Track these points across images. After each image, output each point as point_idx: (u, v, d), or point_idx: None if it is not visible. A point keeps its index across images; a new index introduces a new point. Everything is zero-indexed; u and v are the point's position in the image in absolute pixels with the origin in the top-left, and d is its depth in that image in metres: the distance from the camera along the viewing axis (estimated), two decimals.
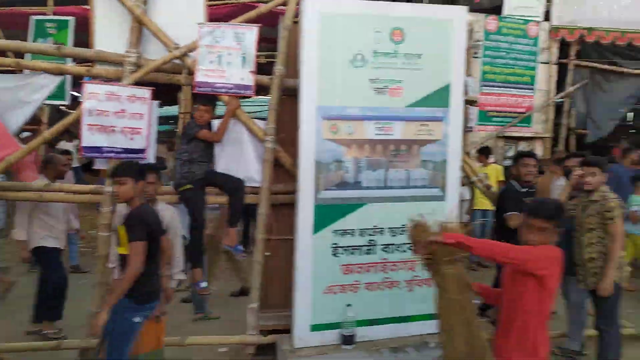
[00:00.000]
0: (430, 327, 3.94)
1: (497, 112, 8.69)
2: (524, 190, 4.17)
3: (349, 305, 3.66)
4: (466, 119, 8.61)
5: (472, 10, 8.54)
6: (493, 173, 7.71)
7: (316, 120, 3.65)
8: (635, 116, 20.42)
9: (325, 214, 3.68)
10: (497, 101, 8.65)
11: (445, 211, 3.92)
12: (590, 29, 8.33)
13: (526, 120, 8.88)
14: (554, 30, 8.44)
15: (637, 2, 8.47)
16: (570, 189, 4.11)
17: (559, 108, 9.13)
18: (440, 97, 3.87)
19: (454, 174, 3.97)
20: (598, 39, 8.37)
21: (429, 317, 3.94)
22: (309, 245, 3.65)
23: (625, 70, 8.70)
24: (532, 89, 8.76)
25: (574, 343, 4.29)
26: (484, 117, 8.64)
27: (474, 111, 8.56)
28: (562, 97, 8.84)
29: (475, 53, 8.35)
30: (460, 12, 3.89)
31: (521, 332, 2.38)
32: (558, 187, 5.84)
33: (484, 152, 8.11)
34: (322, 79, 3.64)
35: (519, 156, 4.32)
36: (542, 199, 2.97)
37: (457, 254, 2.53)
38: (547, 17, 8.52)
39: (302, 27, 3.64)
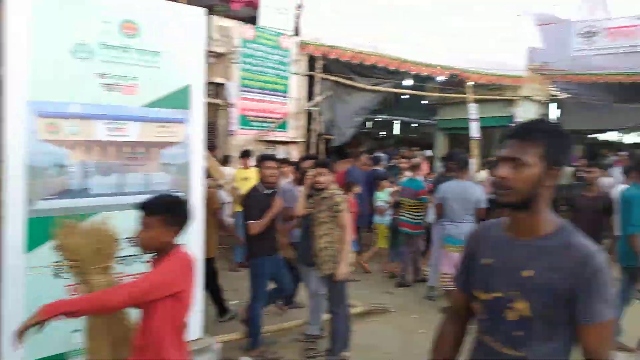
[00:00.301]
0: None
1: (256, 117, 9.01)
2: (268, 192, 4.29)
3: (76, 330, 3.14)
4: (228, 122, 8.74)
5: (230, 17, 8.67)
6: (254, 176, 7.92)
7: (28, 118, 3.02)
8: (374, 125, 24.18)
9: (44, 228, 3.08)
10: (256, 107, 8.96)
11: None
12: (332, 47, 9.33)
13: (282, 125, 9.45)
14: (303, 45, 9.18)
15: (366, 28, 9.86)
16: (308, 188, 4.40)
17: (309, 115, 9.99)
18: (180, 98, 3.66)
19: (197, 177, 3.81)
20: (338, 56, 9.45)
21: None
22: (20, 267, 2.99)
23: (359, 85, 10.05)
24: (286, 96, 9.37)
25: (314, 328, 4.62)
26: (245, 121, 8.85)
27: (235, 115, 8.72)
28: (311, 106, 9.69)
29: (234, 59, 8.49)
30: (198, 12, 3.74)
31: (156, 350, 2.10)
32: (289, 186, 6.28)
33: (246, 156, 8.26)
34: (34, 70, 3.03)
35: (261, 159, 4.43)
36: (159, 194, 2.74)
37: (108, 261, 2.29)
38: (297, 32, 9.22)
39: (5, 4, 2.97)
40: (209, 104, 8.36)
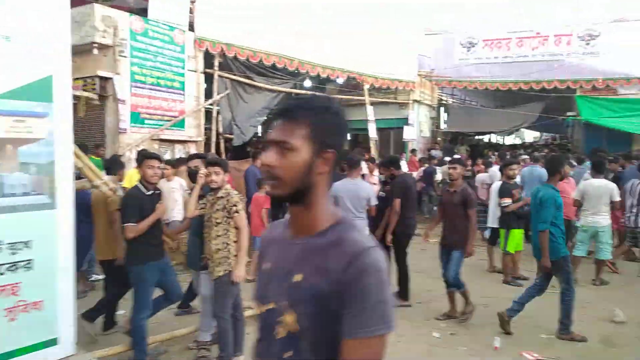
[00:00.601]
0: (44, 357, 3.29)
1: (150, 114, 8.43)
2: (150, 193, 3.95)
3: None
4: (117, 119, 8.07)
5: (116, 7, 8.02)
6: None
7: None
8: None
9: None
10: (149, 104, 8.38)
11: (57, 220, 3.33)
12: (229, 45, 9.03)
13: (180, 124, 8.95)
14: (199, 41, 8.77)
15: (267, 27, 9.70)
16: (200, 188, 4.13)
17: (208, 114, 9.60)
18: (40, 90, 3.21)
19: (65, 178, 3.38)
20: (236, 55, 9.17)
21: (41, 345, 3.29)
22: None
23: (259, 84, 9.86)
24: (182, 94, 8.89)
25: (206, 334, 4.36)
26: (138, 119, 8.24)
27: (126, 112, 8.08)
28: (209, 104, 9.31)
29: (122, 52, 7.86)
30: None
31: None
32: (170, 189, 5.83)
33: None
34: None
35: (143, 158, 4.06)
36: None
37: None
38: (192, 27, 8.79)
39: None
40: (95, 99, 7.67)
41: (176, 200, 5.82)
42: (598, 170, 6.29)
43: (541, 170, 8.27)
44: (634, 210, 6.53)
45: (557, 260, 4.48)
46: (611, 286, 6.07)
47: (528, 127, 18.76)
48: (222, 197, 3.90)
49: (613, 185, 6.12)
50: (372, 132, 12.25)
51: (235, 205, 3.84)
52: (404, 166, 11.02)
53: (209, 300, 4.33)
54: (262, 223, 6.64)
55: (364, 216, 5.27)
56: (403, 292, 5.49)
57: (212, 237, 3.90)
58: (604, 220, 6.06)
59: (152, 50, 8.25)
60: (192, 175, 4.35)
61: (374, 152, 12.16)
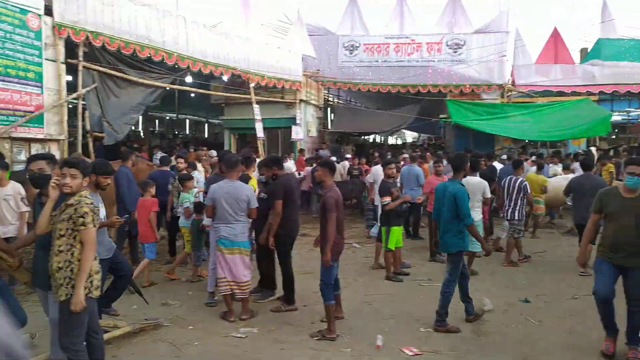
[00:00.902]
0: None
1: None
2: None
3: None
4: None
5: None
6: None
7: None
8: (162, 123, 22.62)
9: None
10: None
11: None
12: (95, 33, 8.02)
13: (38, 120, 7.75)
14: (59, 27, 7.67)
15: (140, 16, 8.83)
16: (55, 195, 3.43)
17: (73, 109, 8.49)
18: None
19: None
20: (104, 44, 8.19)
21: None
22: None
23: (132, 78, 8.94)
24: (40, 86, 7.71)
25: None
26: None
27: None
28: (73, 98, 8.21)
29: None
30: None
31: None
32: (2, 197, 4.98)
33: None
34: None
35: None
36: None
37: None
38: (50, 11, 7.66)
39: None
40: None
41: (9, 211, 4.92)
42: (473, 168, 6.69)
43: (418, 169, 8.66)
44: (511, 204, 7.12)
45: (455, 253, 4.62)
46: (479, 277, 6.45)
47: (407, 128, 19.86)
48: (71, 205, 3.27)
49: (485, 183, 6.56)
50: (260, 132, 11.93)
51: (82, 217, 3.21)
52: (292, 166, 10.87)
53: (57, 326, 3.66)
54: (151, 229, 6.10)
55: (245, 219, 4.94)
56: (289, 296, 5.25)
57: (54, 252, 3.26)
58: (477, 215, 6.43)
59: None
60: (35, 180, 3.63)
61: (261, 151, 11.85)
